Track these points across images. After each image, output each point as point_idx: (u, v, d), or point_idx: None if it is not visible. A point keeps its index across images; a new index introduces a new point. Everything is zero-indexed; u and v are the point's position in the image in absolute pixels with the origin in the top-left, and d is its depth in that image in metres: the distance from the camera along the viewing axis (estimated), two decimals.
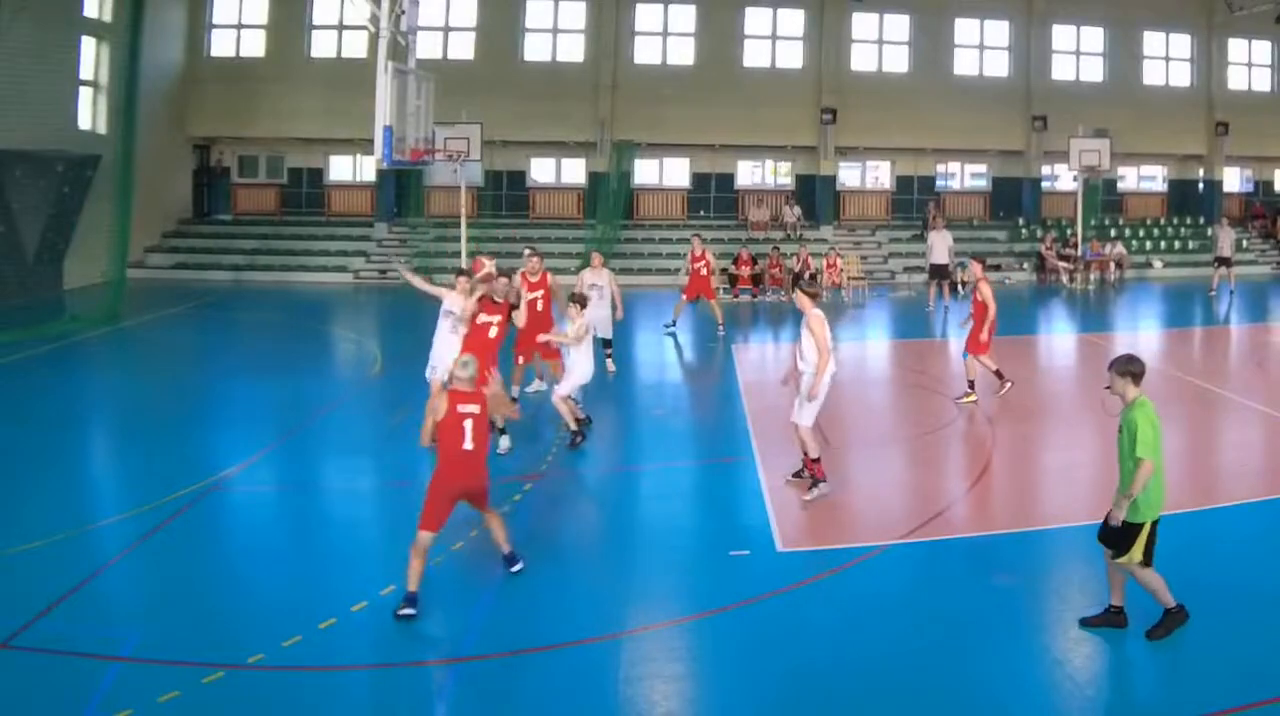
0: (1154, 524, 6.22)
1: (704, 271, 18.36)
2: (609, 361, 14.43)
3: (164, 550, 7.92)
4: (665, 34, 28.50)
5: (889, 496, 9.51)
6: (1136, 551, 6.17)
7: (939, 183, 30.80)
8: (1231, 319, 21.15)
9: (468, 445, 6.89)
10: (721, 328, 18.06)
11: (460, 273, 11.43)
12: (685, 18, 28.44)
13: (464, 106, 21.67)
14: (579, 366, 10.74)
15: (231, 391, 13.91)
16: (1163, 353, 17.89)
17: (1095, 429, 11.39)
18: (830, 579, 7.40)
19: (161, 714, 5.48)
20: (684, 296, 18.56)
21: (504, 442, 10.43)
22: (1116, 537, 6.25)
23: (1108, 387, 6.41)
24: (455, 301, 10.69)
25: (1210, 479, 10.07)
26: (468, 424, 6.88)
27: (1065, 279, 26.28)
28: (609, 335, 14.30)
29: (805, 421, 9.20)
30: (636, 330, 19.48)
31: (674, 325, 18.31)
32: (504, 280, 10.55)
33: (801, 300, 9.53)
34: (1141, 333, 20.36)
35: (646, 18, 28.43)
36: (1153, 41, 29.98)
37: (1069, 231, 27.36)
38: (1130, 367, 6.29)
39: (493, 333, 10.30)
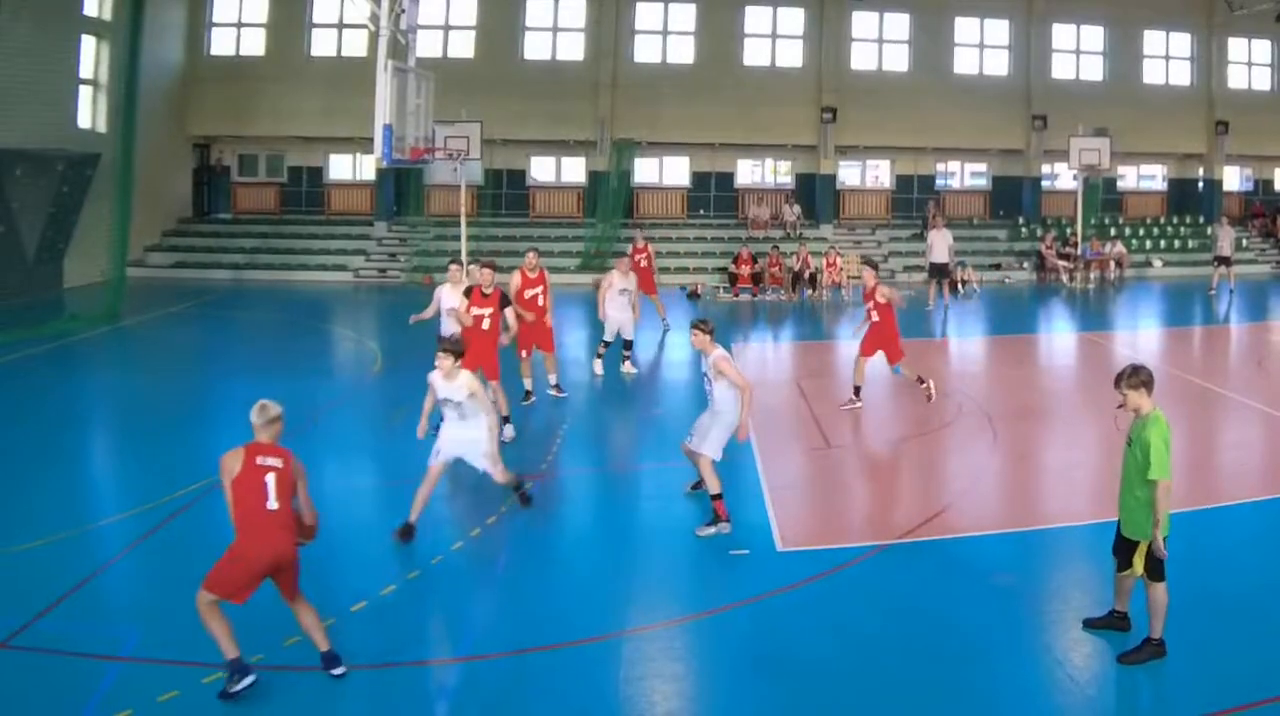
0: (1164, 541, 6.03)
1: (644, 263, 18.44)
2: (627, 362, 14.72)
3: (164, 550, 7.91)
4: (665, 33, 28.50)
5: (889, 496, 9.52)
6: (1138, 565, 6.05)
7: (939, 182, 30.81)
8: (1231, 318, 21.15)
9: (271, 504, 5.83)
10: (665, 321, 18.31)
11: (454, 262, 11.74)
12: (685, 16, 28.45)
13: (464, 105, 21.68)
14: (487, 421, 8.26)
15: (231, 391, 13.88)
16: (1163, 352, 17.90)
17: (1095, 428, 11.41)
18: (830, 579, 7.40)
19: (161, 714, 5.48)
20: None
21: (508, 431, 10.62)
22: (1121, 550, 6.19)
23: (1120, 406, 6.16)
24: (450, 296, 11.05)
25: (1210, 479, 10.07)
26: (269, 479, 5.86)
27: (1065, 278, 26.28)
28: (630, 336, 14.75)
29: (713, 452, 8.42)
30: (635, 330, 19.48)
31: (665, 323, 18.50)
32: (488, 271, 10.80)
33: (700, 339, 8.40)
34: (1141, 332, 20.37)
35: (646, 16, 28.44)
36: (1153, 41, 29.99)
37: (1069, 230, 27.36)
38: (1140, 377, 6.06)
39: (485, 324, 10.56)
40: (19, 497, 9.09)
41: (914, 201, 30.23)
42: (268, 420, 6.04)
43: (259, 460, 5.90)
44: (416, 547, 7.99)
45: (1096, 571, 7.10)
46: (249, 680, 5.62)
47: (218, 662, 5.95)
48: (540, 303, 12.28)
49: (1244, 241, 28.53)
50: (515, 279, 12.33)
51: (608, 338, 14.52)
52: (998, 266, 27.31)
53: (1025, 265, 27.55)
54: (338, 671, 5.93)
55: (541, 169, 29.94)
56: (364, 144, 24.46)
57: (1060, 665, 6.11)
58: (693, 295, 23.61)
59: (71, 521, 8.33)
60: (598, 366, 14.41)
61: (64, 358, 15.59)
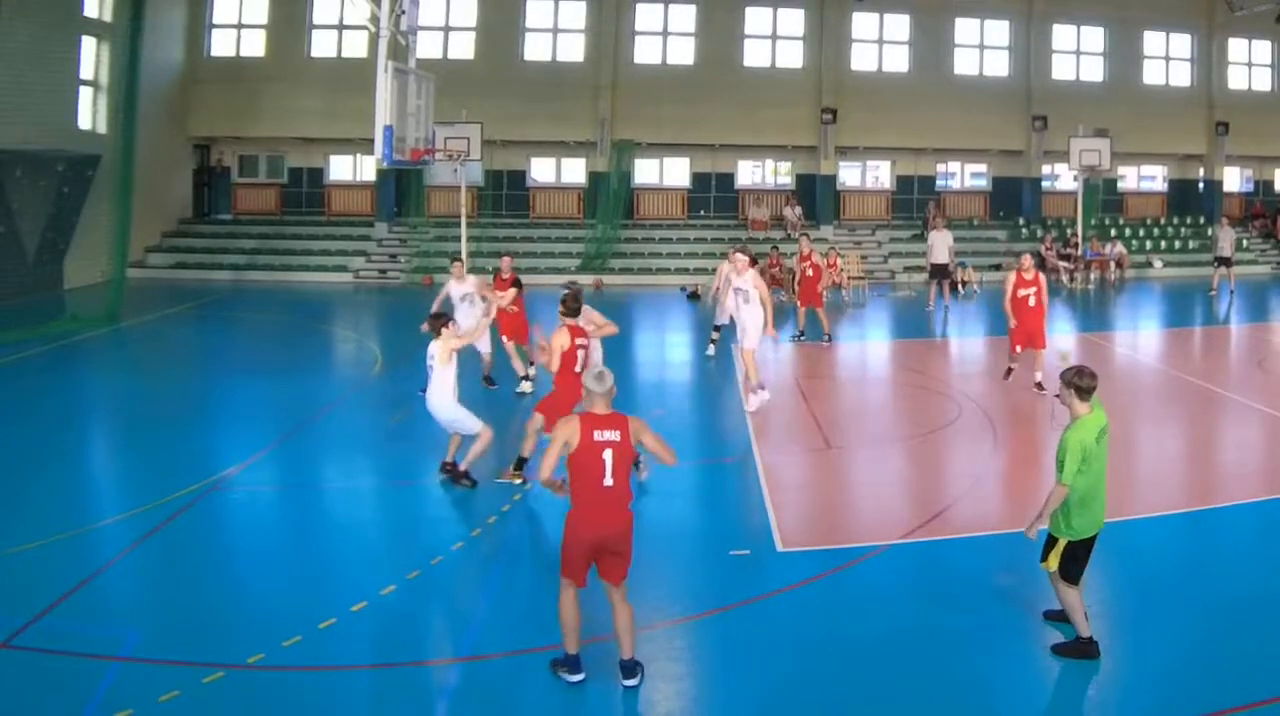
0: (1079, 545, 6.01)
1: (809, 271, 17.67)
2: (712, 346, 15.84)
3: (164, 550, 7.91)
4: (665, 34, 28.52)
5: (889, 496, 9.50)
6: (1053, 560, 6.02)
7: (939, 182, 30.84)
8: (1231, 319, 21.15)
9: (608, 481, 5.65)
10: (828, 337, 17.32)
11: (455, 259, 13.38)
12: (685, 17, 28.47)
13: (464, 106, 21.69)
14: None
15: (231, 391, 13.91)
16: (1163, 352, 17.91)
17: None
18: (830, 579, 7.39)
19: (161, 714, 5.48)
20: (799, 304, 18.04)
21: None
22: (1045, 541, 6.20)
23: (1056, 396, 6.04)
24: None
25: (1210, 479, 10.07)
26: (607, 455, 5.64)
27: (1065, 279, 26.28)
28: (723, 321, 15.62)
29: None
30: (635, 331, 19.48)
31: (801, 335, 17.73)
32: (507, 259, 13.95)
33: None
34: (1142, 332, 20.37)
35: (646, 17, 28.46)
36: (1153, 41, 30.02)
37: (1069, 231, 27.37)
38: (1077, 381, 5.90)
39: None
40: (19, 497, 9.09)
41: (914, 202, 30.26)
42: (607, 388, 5.73)
43: (596, 435, 5.65)
44: (416, 547, 8.01)
45: (1096, 571, 7.08)
46: (577, 677, 5.78)
47: (218, 662, 5.96)
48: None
49: (1244, 242, 28.54)
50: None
51: (720, 321, 15.59)
52: (998, 267, 27.30)
53: None
54: (630, 682, 5.80)
55: (542, 170, 29.97)
56: (364, 145, 24.48)
57: (1060, 666, 6.10)
58: (693, 296, 23.61)
59: (71, 521, 8.32)
60: (710, 350, 15.84)
61: (64, 358, 15.59)
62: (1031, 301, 13.01)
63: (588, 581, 5.81)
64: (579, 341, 9.34)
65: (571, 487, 5.72)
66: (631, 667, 5.83)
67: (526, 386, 13.18)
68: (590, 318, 10.09)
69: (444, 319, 9.47)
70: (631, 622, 5.86)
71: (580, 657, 5.79)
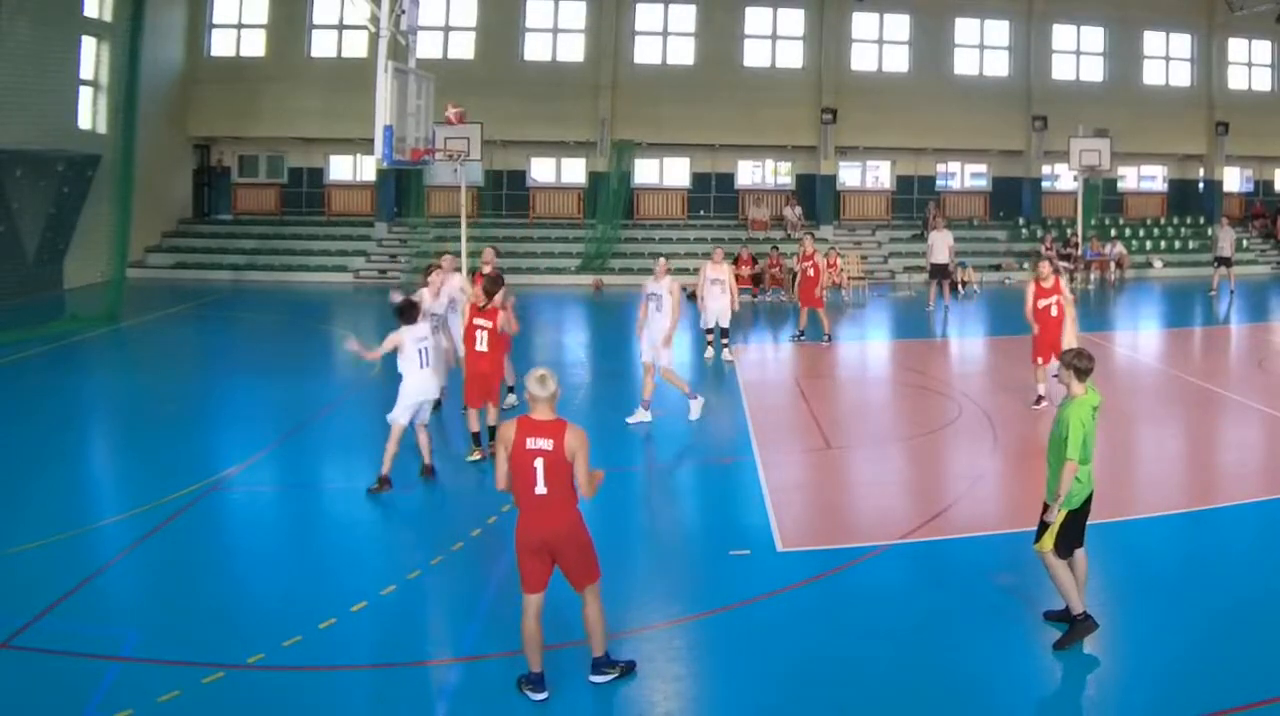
0: (1072, 515, 6.20)
1: (810, 272, 17.43)
2: (726, 350, 15.56)
3: (164, 550, 7.91)
4: (665, 34, 28.52)
5: (889, 496, 9.50)
6: (1047, 540, 6.18)
7: (939, 182, 30.84)
8: (1231, 319, 21.15)
9: (539, 489, 5.54)
10: (828, 337, 17.24)
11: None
12: (685, 18, 28.47)
13: (464, 106, 21.65)
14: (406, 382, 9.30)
15: (231, 391, 13.91)
16: (1163, 352, 17.91)
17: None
18: (830, 579, 7.39)
19: (161, 714, 5.48)
20: (800, 304, 17.94)
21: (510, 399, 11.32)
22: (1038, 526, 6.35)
23: (1055, 376, 6.56)
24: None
25: (1210, 479, 10.07)
26: (538, 463, 5.52)
27: (1065, 279, 26.24)
28: (726, 324, 15.50)
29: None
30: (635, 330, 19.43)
31: (801, 335, 17.76)
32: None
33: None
34: (1142, 332, 20.37)
35: (646, 18, 28.47)
36: (1153, 41, 30.02)
37: (1069, 231, 27.36)
38: (1076, 362, 6.27)
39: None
40: (19, 497, 9.10)
41: (914, 202, 30.26)
42: (549, 394, 5.57)
43: (529, 442, 5.52)
44: (416, 548, 8.01)
45: (1096, 572, 7.08)
46: (540, 696, 5.65)
47: (218, 662, 5.96)
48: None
49: (1244, 242, 28.54)
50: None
51: (707, 325, 15.52)
52: (998, 267, 27.32)
53: (1025, 266, 27.51)
54: (596, 679, 5.82)
55: (542, 170, 29.97)
56: (364, 145, 24.45)
57: (1060, 665, 6.10)
58: (692, 297, 23.58)
59: (71, 521, 8.32)
60: (709, 353, 15.67)
61: (64, 358, 15.59)
62: (1054, 311, 12.24)
63: (546, 586, 5.73)
64: (477, 321, 9.85)
65: (513, 490, 5.65)
66: (597, 665, 5.82)
67: (477, 454, 10.23)
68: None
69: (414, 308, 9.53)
70: (600, 620, 5.79)
71: (544, 675, 5.67)
